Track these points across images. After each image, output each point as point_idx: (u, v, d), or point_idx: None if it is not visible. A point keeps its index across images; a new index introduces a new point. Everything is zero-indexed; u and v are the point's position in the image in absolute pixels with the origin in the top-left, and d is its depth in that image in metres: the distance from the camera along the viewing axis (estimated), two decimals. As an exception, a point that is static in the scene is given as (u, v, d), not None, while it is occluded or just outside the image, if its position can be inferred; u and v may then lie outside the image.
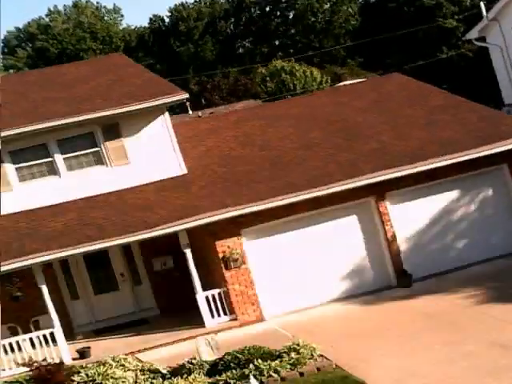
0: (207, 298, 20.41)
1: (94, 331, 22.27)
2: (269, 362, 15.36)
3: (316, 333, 17.98)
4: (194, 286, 20.45)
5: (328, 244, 20.99)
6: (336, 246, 21.04)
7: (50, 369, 16.37)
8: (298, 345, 15.93)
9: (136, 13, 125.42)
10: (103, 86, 23.37)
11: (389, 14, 69.00)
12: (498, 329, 16.11)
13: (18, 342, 19.67)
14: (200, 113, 45.61)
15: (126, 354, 18.02)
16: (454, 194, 21.95)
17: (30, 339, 19.82)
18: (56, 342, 19.75)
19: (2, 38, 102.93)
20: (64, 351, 19.68)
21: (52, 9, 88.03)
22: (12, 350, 19.58)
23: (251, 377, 14.78)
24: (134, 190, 21.38)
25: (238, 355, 15.76)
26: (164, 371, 16.32)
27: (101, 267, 22.76)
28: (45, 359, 18.32)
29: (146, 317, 22.62)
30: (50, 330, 19.79)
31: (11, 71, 76.44)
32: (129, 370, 16.51)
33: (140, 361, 17.64)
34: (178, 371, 16.01)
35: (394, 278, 21.34)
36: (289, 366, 15.26)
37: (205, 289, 20.43)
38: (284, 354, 15.70)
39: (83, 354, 19.63)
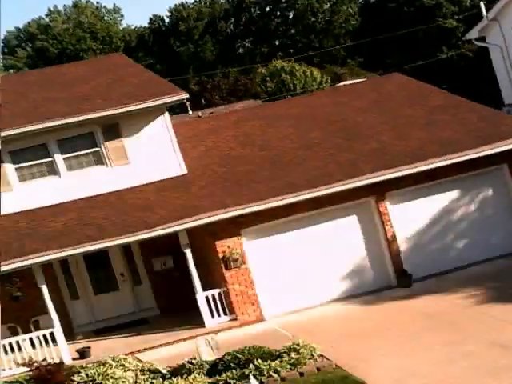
0: (207, 298, 20.41)
1: (93, 331, 22.26)
2: (269, 361, 15.35)
3: (316, 333, 17.98)
4: (194, 286, 20.45)
5: (328, 244, 20.99)
6: (336, 246, 21.04)
7: (50, 369, 16.36)
8: (297, 345, 15.93)
9: (136, 13, 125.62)
10: (103, 86, 23.37)
11: (389, 13, 68.99)
12: (498, 329, 16.10)
13: (18, 342, 19.66)
14: (200, 113, 45.60)
15: (126, 354, 18.01)
16: (454, 194, 21.95)
17: (30, 339, 19.81)
18: (56, 342, 19.74)
19: (2, 38, 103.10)
20: (64, 351, 19.68)
21: (52, 9, 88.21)
22: (12, 349, 19.57)
23: (251, 377, 14.78)
24: (134, 190, 21.38)
25: (238, 355, 15.75)
26: (164, 371, 16.31)
27: (101, 267, 22.76)
28: (45, 359, 18.31)
29: (146, 317, 22.61)
30: (50, 330, 19.78)
31: (11, 71, 76.40)
32: (129, 370, 16.51)
33: (140, 361, 17.63)
34: (178, 371, 16.00)
35: (394, 278, 21.33)
36: (289, 366, 15.25)
37: (205, 289, 20.43)
38: (284, 354, 15.70)
39: (83, 353, 19.62)
